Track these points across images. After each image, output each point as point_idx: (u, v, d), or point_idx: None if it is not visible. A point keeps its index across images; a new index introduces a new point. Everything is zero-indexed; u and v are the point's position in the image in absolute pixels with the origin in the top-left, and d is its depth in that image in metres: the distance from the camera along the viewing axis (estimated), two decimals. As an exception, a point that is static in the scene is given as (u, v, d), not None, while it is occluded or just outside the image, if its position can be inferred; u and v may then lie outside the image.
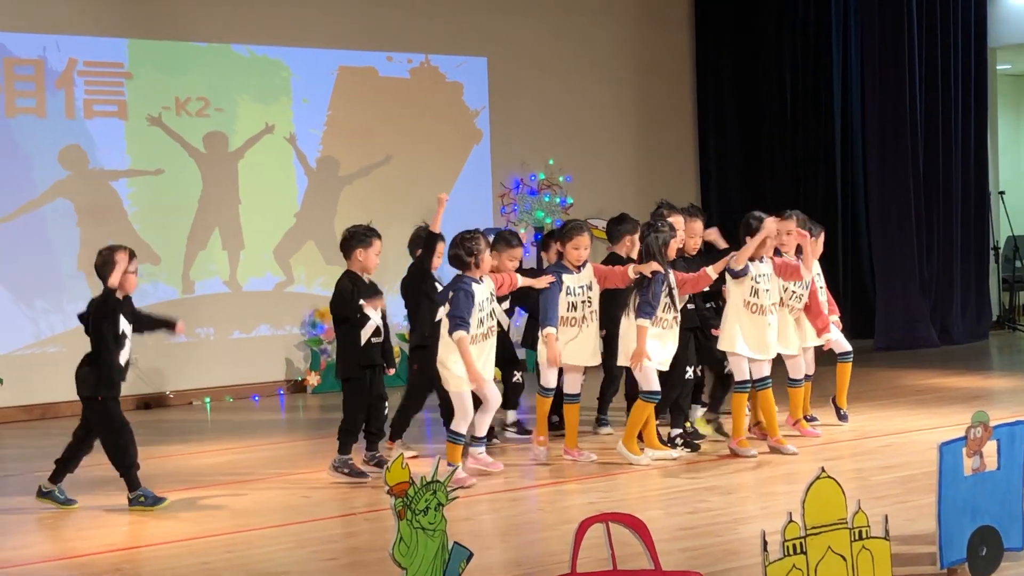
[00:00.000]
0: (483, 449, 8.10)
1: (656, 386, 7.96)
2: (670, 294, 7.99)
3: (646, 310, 7.91)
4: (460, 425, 7.77)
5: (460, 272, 7.84)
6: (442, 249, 8.43)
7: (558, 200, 14.56)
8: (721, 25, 16.03)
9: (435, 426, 9.69)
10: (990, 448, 5.19)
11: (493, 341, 7.89)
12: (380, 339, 8.00)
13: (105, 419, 7.54)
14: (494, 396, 7.83)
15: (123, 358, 7.61)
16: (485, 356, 7.80)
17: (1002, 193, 16.25)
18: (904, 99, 14.60)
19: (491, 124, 14.43)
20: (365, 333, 7.90)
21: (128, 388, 11.95)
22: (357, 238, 8.08)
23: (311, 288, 13.07)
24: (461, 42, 14.24)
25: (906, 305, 14.73)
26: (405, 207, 13.42)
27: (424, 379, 8.55)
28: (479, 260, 7.78)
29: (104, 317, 7.55)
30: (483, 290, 7.79)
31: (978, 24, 15.32)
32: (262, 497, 7.79)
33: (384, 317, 8.07)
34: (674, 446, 8.44)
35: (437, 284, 8.50)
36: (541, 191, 14.60)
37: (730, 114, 16.10)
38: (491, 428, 8.70)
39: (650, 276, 7.92)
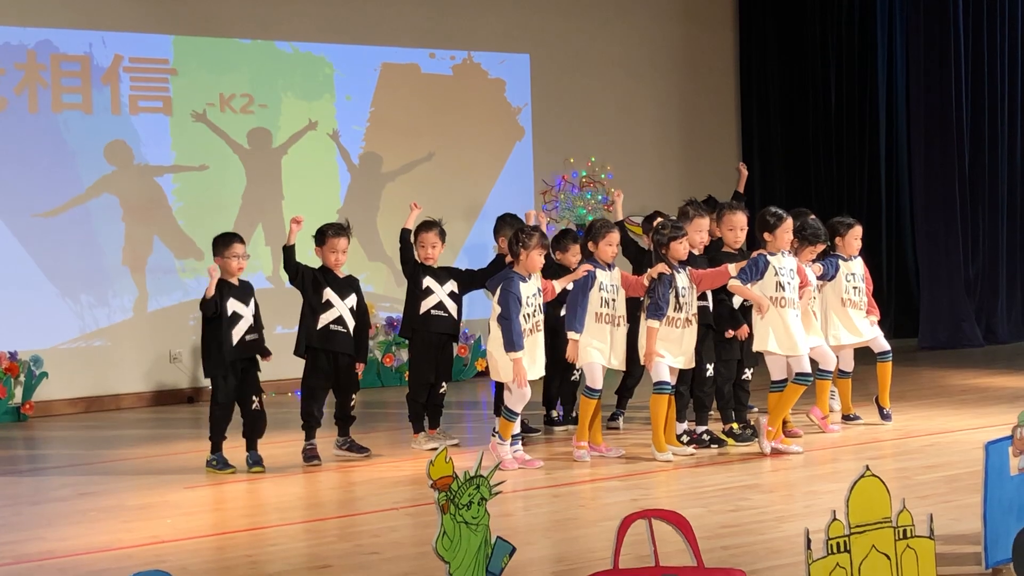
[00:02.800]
0: (519, 446, 8.15)
1: (664, 377, 8.03)
2: (677, 294, 7.99)
3: (655, 312, 8.01)
4: (516, 405, 7.92)
5: (510, 264, 8.08)
6: (432, 240, 8.83)
7: (600, 197, 14.54)
8: (765, 22, 15.96)
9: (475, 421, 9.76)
10: (1037, 448, 5.15)
11: (539, 336, 7.99)
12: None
13: (212, 391, 8.33)
14: (525, 391, 7.92)
15: (235, 337, 8.13)
16: (529, 350, 7.91)
17: (1049, 192, 16.08)
18: (950, 95, 14.49)
19: (533, 121, 14.43)
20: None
21: (172, 382, 12.19)
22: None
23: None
24: (504, 39, 14.26)
25: (951, 304, 14.62)
26: (447, 204, 13.45)
27: (416, 368, 8.91)
28: (529, 253, 7.92)
29: (211, 299, 8.11)
30: (530, 286, 7.91)
31: (1025, 21, 15.18)
32: (305, 491, 7.84)
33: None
34: (702, 443, 8.43)
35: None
36: (583, 188, 14.59)
37: (774, 112, 16.03)
38: (525, 423, 8.72)
39: (656, 278, 7.98)
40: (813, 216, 9.39)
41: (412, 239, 8.91)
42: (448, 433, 9.08)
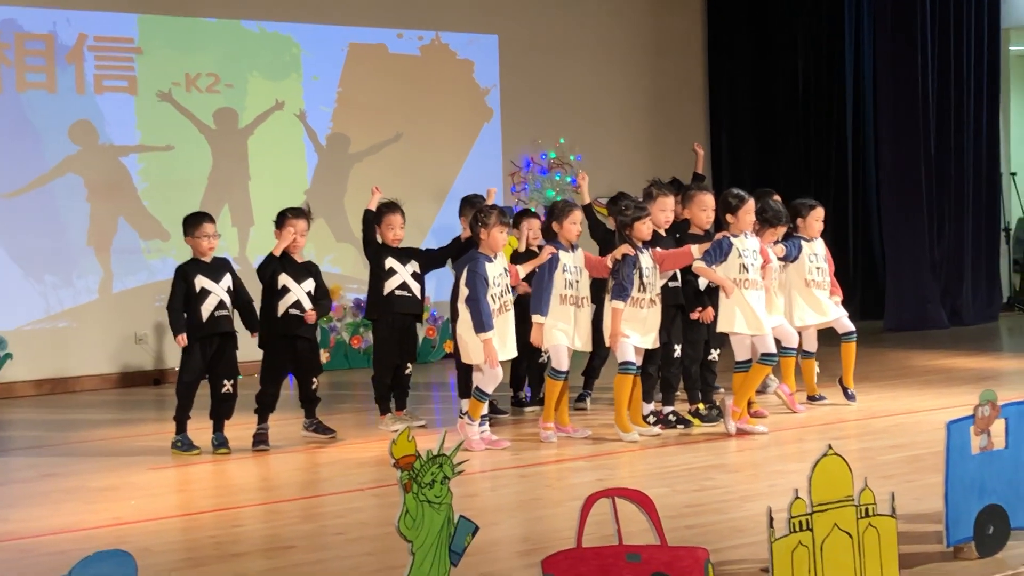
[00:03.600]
0: (487, 427, 8.16)
1: (628, 357, 8.04)
2: (641, 275, 8.01)
3: (619, 292, 8.02)
4: (487, 385, 7.94)
5: (475, 245, 8.08)
6: (399, 221, 8.90)
7: (568, 179, 14.53)
8: (735, 5, 15.97)
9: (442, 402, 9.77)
10: (998, 427, 5.18)
11: (509, 316, 8.00)
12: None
13: (180, 366, 8.31)
14: (496, 371, 7.92)
15: (205, 313, 8.13)
16: (500, 331, 7.91)
17: (1014, 174, 16.20)
18: (916, 80, 14.55)
19: (502, 102, 14.40)
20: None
21: (137, 363, 12.12)
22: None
23: (321, 265, 12.99)
24: (472, 19, 14.21)
25: (916, 286, 14.70)
26: (415, 185, 13.43)
27: (381, 349, 8.94)
28: (491, 232, 7.93)
29: (175, 278, 8.23)
30: (496, 266, 7.92)
31: (991, 5, 15.25)
32: (269, 472, 7.82)
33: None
34: (668, 424, 8.46)
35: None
36: (552, 170, 14.57)
37: (742, 95, 16.05)
38: (494, 404, 8.71)
39: (620, 259, 7.99)
40: (777, 197, 9.43)
41: (376, 220, 8.90)
42: (415, 414, 9.10)
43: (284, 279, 8.42)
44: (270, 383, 8.49)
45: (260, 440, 8.34)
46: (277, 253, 8.38)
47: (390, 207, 8.93)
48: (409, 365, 8.99)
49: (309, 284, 8.52)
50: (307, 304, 8.45)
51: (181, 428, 8.19)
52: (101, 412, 10.70)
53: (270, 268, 8.40)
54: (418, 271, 8.96)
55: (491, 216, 7.99)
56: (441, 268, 9.47)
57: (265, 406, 8.44)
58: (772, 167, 15.75)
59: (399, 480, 4.17)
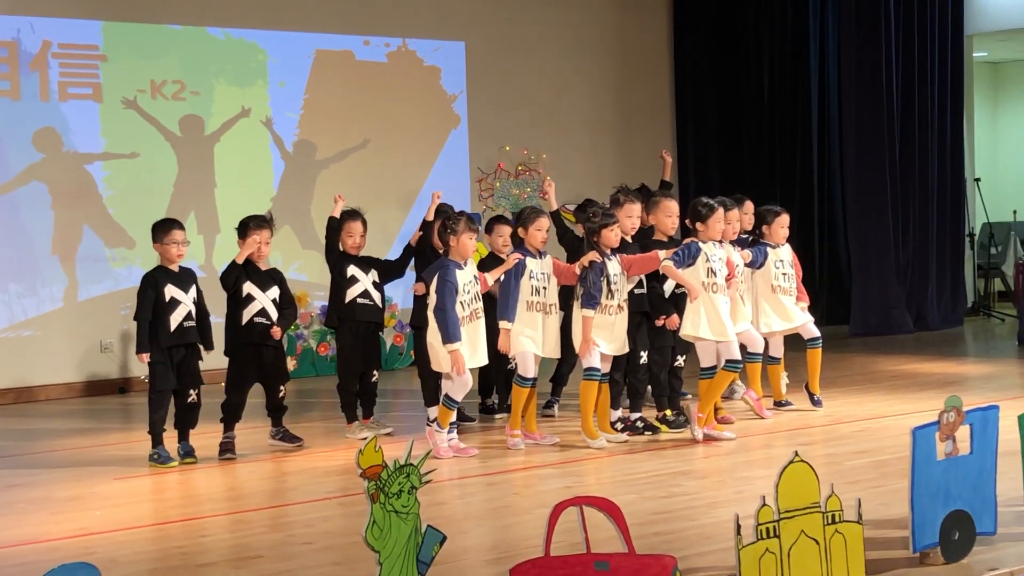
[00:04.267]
0: (455, 435, 8.15)
1: (594, 363, 8.06)
2: (609, 282, 8.02)
3: (588, 301, 8.03)
4: (457, 393, 7.95)
5: (445, 251, 8.08)
6: (360, 229, 8.93)
7: (536, 185, 14.53)
8: (700, 13, 16.02)
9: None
10: (963, 433, 5.22)
11: (479, 323, 7.99)
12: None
13: (150, 378, 8.19)
14: (466, 379, 7.91)
15: (173, 323, 8.06)
16: (469, 339, 7.90)
17: (978, 180, 16.31)
18: (881, 87, 14.64)
19: (469, 109, 14.40)
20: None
21: (103, 372, 12.04)
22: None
23: (287, 272, 12.72)
24: (439, 26, 14.20)
25: (882, 291, 14.78)
26: (382, 192, 13.41)
27: (345, 357, 8.96)
28: (460, 238, 7.92)
29: (143, 286, 8.16)
30: (465, 274, 7.91)
31: (955, 12, 15.35)
32: (236, 481, 7.79)
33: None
34: (635, 430, 8.47)
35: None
36: (519, 176, 14.58)
37: (708, 101, 16.09)
38: (461, 411, 8.71)
39: (588, 266, 8.00)
40: (749, 204, 9.50)
41: (338, 228, 8.90)
42: (381, 422, 9.08)
43: (249, 287, 8.40)
44: (235, 392, 8.46)
45: (226, 449, 8.30)
46: (240, 261, 8.35)
47: (351, 215, 8.93)
48: (375, 373, 8.98)
49: (274, 292, 8.49)
50: (272, 312, 8.42)
51: (158, 440, 8.10)
52: (66, 421, 10.62)
53: (233, 275, 8.37)
54: (378, 280, 8.95)
55: (459, 223, 7.99)
56: (400, 278, 9.46)
57: (231, 415, 8.41)
58: (738, 173, 15.79)
59: (366, 490, 4.17)
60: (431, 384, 8.92)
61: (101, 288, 12.13)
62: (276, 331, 8.39)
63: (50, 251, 11.93)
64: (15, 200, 11.79)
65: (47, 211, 11.93)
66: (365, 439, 8.42)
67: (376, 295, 8.93)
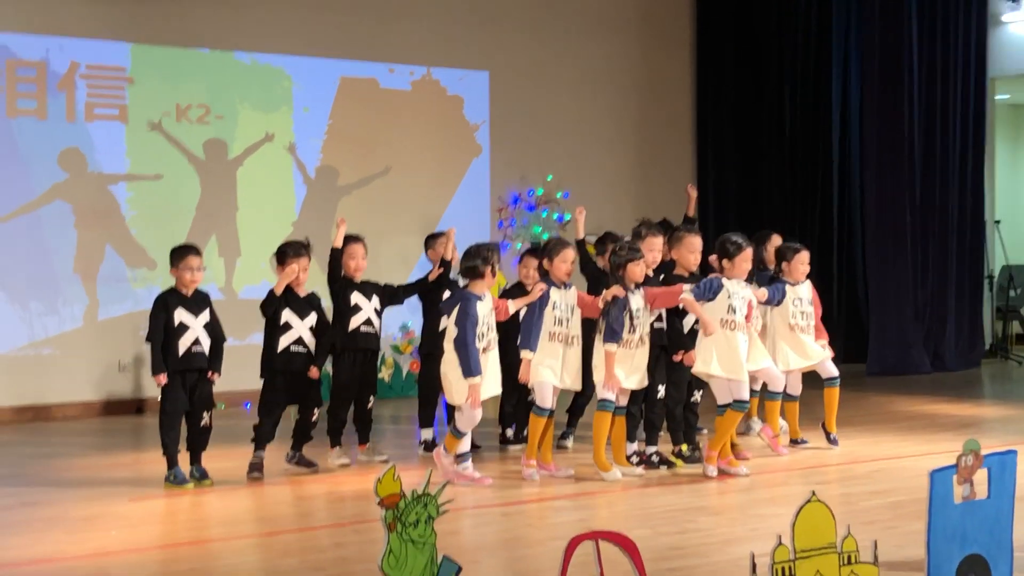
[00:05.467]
0: (469, 463, 8.15)
1: (608, 395, 8.05)
2: (631, 316, 8.02)
3: (611, 335, 8.03)
4: (465, 426, 7.98)
5: (467, 284, 8.08)
6: (361, 252, 8.90)
7: (555, 216, 14.57)
8: (722, 45, 16.09)
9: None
10: (980, 476, 5.20)
11: (493, 354, 8.01)
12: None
13: (161, 399, 8.19)
14: (476, 413, 7.94)
15: (182, 348, 8.08)
16: (484, 369, 7.91)
17: (998, 222, 16.29)
18: (902, 127, 14.64)
19: (491, 138, 14.45)
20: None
21: (121, 392, 12.09)
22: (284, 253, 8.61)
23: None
24: (463, 56, 14.28)
25: (899, 330, 14.75)
26: (402, 219, 13.48)
27: (340, 383, 8.93)
28: (494, 270, 8.01)
29: (154, 308, 8.20)
30: (484, 306, 7.94)
31: (978, 54, 15.38)
32: (251, 505, 7.79)
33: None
34: (651, 465, 8.46)
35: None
36: (539, 206, 14.62)
37: (728, 134, 16.14)
38: (473, 441, 8.73)
39: (611, 301, 8.01)
40: (777, 239, 9.51)
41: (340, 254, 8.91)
42: (377, 448, 9.12)
43: (287, 315, 8.44)
44: (267, 416, 8.47)
45: (255, 468, 8.36)
46: (278, 292, 8.37)
47: (352, 238, 8.95)
48: (371, 399, 9.00)
49: (311, 319, 8.52)
50: (308, 339, 8.46)
51: (173, 462, 8.12)
52: (83, 440, 10.66)
53: (271, 308, 8.42)
54: (379, 307, 8.98)
55: (493, 255, 8.07)
56: (399, 305, 9.47)
57: (263, 437, 8.44)
58: (757, 209, 15.83)
59: (383, 519, 4.18)
60: (430, 410, 9.10)
61: (121, 308, 12.19)
62: (314, 372, 8.46)
63: (72, 270, 12.00)
64: (39, 219, 11.86)
65: (70, 230, 12.00)
66: (345, 465, 8.58)
67: (377, 322, 8.96)
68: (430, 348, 8.98)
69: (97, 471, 8.95)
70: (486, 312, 8.00)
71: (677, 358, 8.50)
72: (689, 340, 8.52)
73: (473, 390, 7.83)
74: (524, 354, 8.17)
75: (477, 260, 8.04)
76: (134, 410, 12.09)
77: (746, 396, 8.22)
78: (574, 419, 9.66)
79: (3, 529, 7.07)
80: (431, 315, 9.25)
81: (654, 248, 8.63)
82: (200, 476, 8.12)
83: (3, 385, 11.55)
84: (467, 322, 7.85)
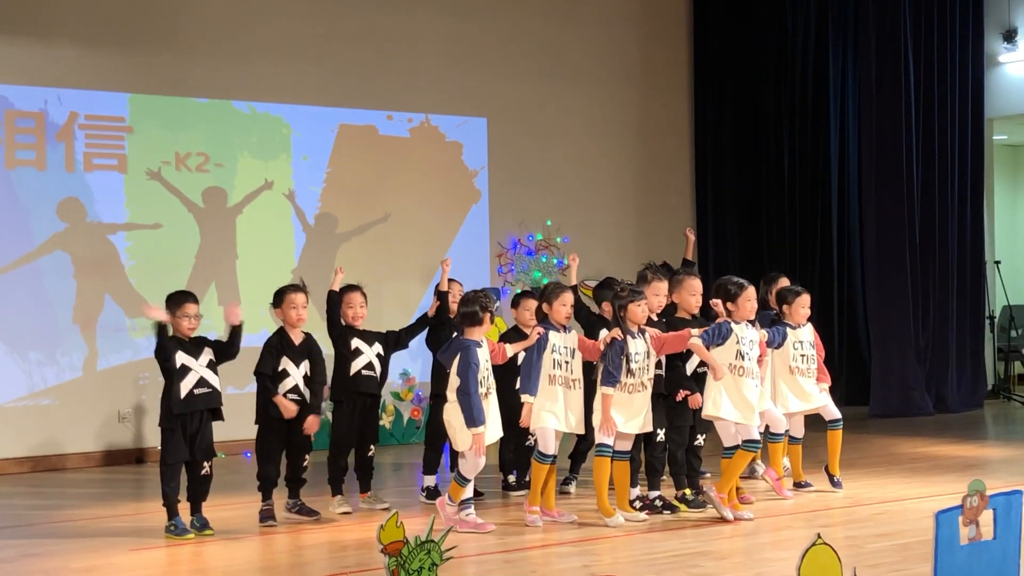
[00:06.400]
0: (471, 510, 8.10)
1: (606, 440, 8.02)
2: (629, 360, 7.99)
3: (608, 379, 8.00)
4: (469, 472, 7.95)
5: (463, 331, 8.05)
6: (360, 300, 8.90)
7: (555, 261, 14.58)
8: (720, 88, 16.16)
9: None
10: (986, 517, 5.17)
11: (492, 398, 7.99)
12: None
13: (162, 448, 8.14)
14: (480, 460, 7.92)
15: (183, 390, 8.02)
16: (488, 416, 7.91)
17: (998, 263, 16.29)
18: (901, 167, 14.67)
19: (490, 184, 14.48)
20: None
21: (120, 442, 12.05)
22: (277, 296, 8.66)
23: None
24: (461, 102, 14.33)
25: (901, 372, 14.71)
26: (402, 265, 13.48)
27: (341, 429, 8.89)
28: (492, 316, 8.04)
29: (157, 352, 8.10)
30: (483, 352, 7.93)
31: (975, 95, 15.42)
32: (253, 554, 7.74)
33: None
34: (654, 509, 8.42)
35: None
36: (538, 252, 14.63)
37: (728, 178, 16.18)
38: (476, 488, 8.69)
39: (609, 344, 7.99)
40: (785, 280, 9.50)
41: (338, 301, 8.91)
42: (378, 496, 9.06)
43: (284, 362, 8.45)
44: (267, 462, 8.46)
45: (267, 516, 8.37)
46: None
47: (349, 287, 8.96)
48: (372, 447, 8.96)
49: (305, 366, 8.51)
50: (303, 388, 8.49)
51: (173, 512, 8.07)
52: (83, 490, 10.61)
53: (271, 359, 8.47)
54: (382, 353, 8.96)
55: (490, 300, 8.08)
56: (405, 349, 9.44)
57: (268, 483, 8.44)
58: (758, 252, 15.84)
59: (386, 566, 4.15)
60: (435, 455, 9.08)
61: (120, 358, 12.17)
62: (310, 427, 8.47)
63: (71, 320, 11.99)
64: (38, 269, 11.86)
65: (69, 280, 12.00)
66: (346, 514, 8.55)
67: (379, 367, 8.94)
68: (439, 389, 8.90)
69: (98, 521, 8.90)
70: (485, 358, 7.99)
71: (679, 398, 8.47)
72: (692, 382, 8.49)
73: (477, 439, 7.81)
74: (525, 398, 8.14)
75: (475, 307, 8.03)
76: (134, 460, 12.04)
77: (756, 436, 8.20)
78: (576, 464, 9.62)
79: (2, 581, 7.02)
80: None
81: (660, 292, 8.61)
82: (201, 526, 8.07)
83: (3, 435, 11.51)
84: (469, 372, 7.83)
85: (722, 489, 8.21)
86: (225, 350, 8.31)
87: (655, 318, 8.54)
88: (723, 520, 8.11)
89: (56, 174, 11.98)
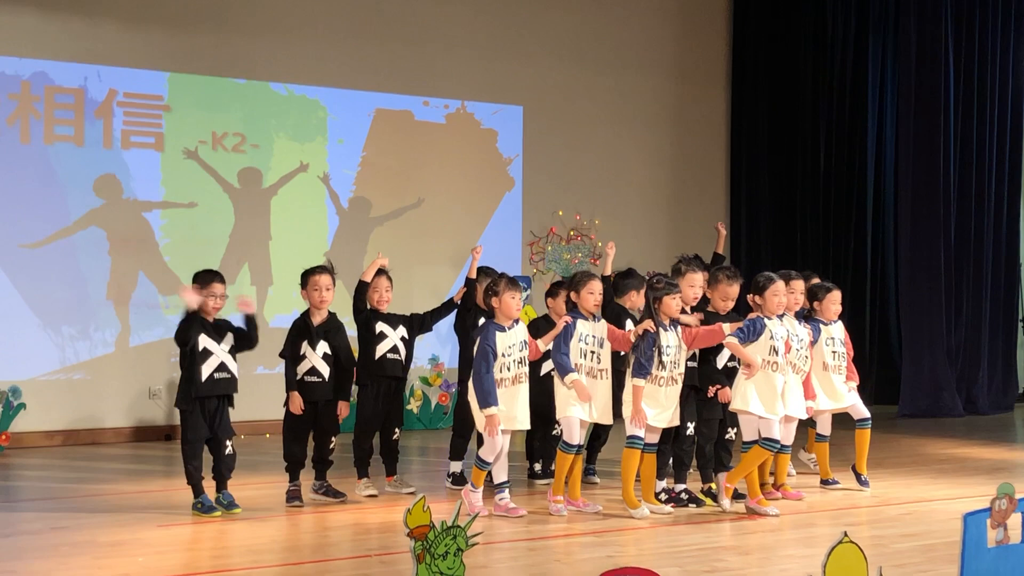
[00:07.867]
0: (505, 494, 8.13)
1: (636, 432, 8.00)
2: (660, 352, 7.98)
3: (639, 370, 8.00)
4: (488, 455, 7.97)
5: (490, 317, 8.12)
6: (385, 284, 8.96)
7: (587, 250, 14.57)
8: (757, 82, 16.09)
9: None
10: (1015, 521, 5.15)
11: (522, 387, 7.99)
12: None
13: (182, 428, 8.17)
14: (502, 443, 7.95)
15: (204, 373, 8.05)
16: (511, 402, 7.91)
17: (1032, 265, 16.19)
18: (937, 169, 14.59)
19: (524, 172, 14.48)
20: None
21: (151, 418, 12.13)
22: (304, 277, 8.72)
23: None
24: (498, 90, 14.33)
25: (932, 373, 14.65)
26: (434, 251, 13.50)
27: (365, 413, 8.93)
28: (501, 302, 8.02)
29: (180, 334, 8.13)
30: (509, 337, 7.93)
31: (1014, 95, 15.32)
32: (277, 534, 7.78)
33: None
34: (680, 502, 8.41)
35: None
36: (570, 240, 14.62)
37: (763, 172, 16.12)
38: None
39: (641, 336, 7.98)
40: (816, 279, 9.46)
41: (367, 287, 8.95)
42: (404, 480, 9.10)
43: (304, 347, 8.52)
44: (294, 443, 8.53)
45: (294, 496, 8.44)
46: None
47: (377, 272, 8.99)
48: (397, 430, 9.00)
49: (323, 347, 8.54)
50: (324, 369, 8.50)
51: (199, 490, 8.13)
52: (113, 465, 10.69)
53: (292, 342, 8.56)
54: (406, 335, 8.99)
55: (499, 284, 8.04)
56: (428, 332, 9.47)
57: (295, 464, 8.51)
58: (791, 249, 15.78)
59: (412, 550, 4.16)
60: (462, 442, 9.12)
61: (152, 335, 12.24)
62: (344, 409, 8.60)
63: (105, 296, 12.06)
64: (73, 244, 11.94)
65: (104, 256, 12.08)
66: (372, 496, 8.58)
67: (403, 351, 8.96)
68: (465, 375, 8.91)
69: (126, 497, 8.97)
70: (513, 343, 8.00)
71: (711, 393, 8.46)
72: (723, 376, 8.48)
73: (489, 420, 7.84)
74: (568, 378, 8.09)
75: (489, 294, 8.11)
76: (164, 436, 12.11)
77: (776, 435, 8.17)
78: (592, 455, 9.60)
79: (31, 553, 7.08)
80: (468, 341, 9.20)
81: (695, 284, 8.58)
82: (228, 504, 8.12)
83: (35, 409, 11.60)
84: (485, 353, 7.88)
85: (731, 480, 8.23)
86: (244, 339, 8.32)
87: (688, 311, 8.52)
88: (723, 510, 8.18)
89: (94, 150, 12.05)
